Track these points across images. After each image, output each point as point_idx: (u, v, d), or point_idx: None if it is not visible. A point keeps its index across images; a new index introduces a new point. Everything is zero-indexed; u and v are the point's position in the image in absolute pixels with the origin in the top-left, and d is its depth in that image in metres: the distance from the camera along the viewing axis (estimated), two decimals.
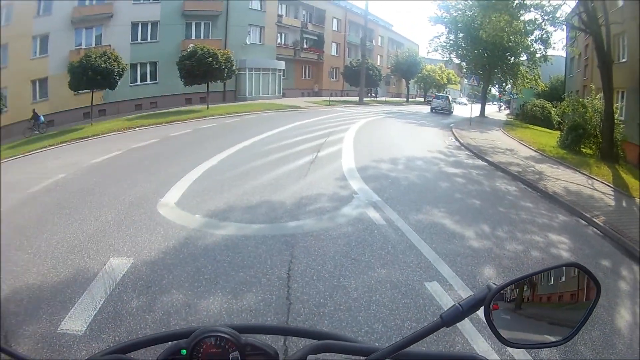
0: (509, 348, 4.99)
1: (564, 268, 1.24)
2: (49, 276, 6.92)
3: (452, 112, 48.82)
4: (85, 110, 31.88)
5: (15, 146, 24.56)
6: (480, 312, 1.18)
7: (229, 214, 9.48)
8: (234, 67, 37.15)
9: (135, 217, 9.44)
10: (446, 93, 62.76)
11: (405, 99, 70.87)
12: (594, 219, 11.03)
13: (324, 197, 10.78)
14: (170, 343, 1.36)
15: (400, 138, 23.36)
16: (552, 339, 1.22)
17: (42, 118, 30.66)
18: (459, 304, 1.19)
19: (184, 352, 1.28)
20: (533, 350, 4.81)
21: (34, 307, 5.90)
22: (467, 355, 1.28)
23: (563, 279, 1.23)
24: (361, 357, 1.25)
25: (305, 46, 58.51)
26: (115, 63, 30.34)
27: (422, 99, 76.11)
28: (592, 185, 15.11)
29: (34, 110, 30.62)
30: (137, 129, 26.78)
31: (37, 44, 33.55)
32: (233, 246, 7.64)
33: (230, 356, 1.28)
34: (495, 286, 1.17)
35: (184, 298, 5.90)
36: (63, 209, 10.31)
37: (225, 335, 1.28)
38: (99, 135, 24.78)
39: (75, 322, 5.46)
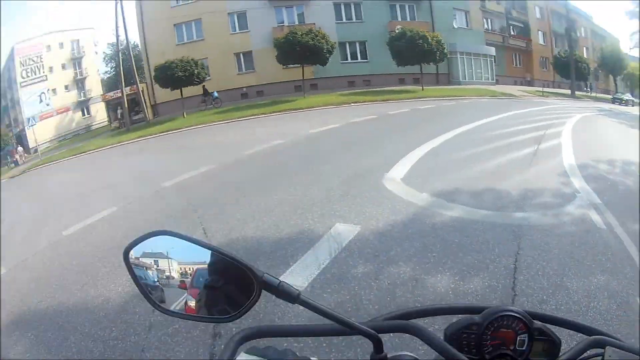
0: None
1: None
2: (269, 232, 7.30)
3: None
4: (296, 84, 32.74)
5: (223, 112, 25.79)
6: None
7: (455, 196, 9.35)
8: (445, 50, 36.49)
9: (362, 187, 9.60)
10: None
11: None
12: None
13: (548, 192, 10.38)
14: (458, 316, 1.34)
15: (618, 139, 21.90)
16: None
17: (215, 94, 32.11)
18: None
19: (475, 327, 1.28)
20: None
21: (251, 260, 6.15)
22: None
23: None
24: None
25: (512, 33, 57.10)
26: (323, 40, 30.88)
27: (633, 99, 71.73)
28: None
29: (203, 86, 32.27)
30: (352, 104, 27.07)
31: (234, 20, 35.31)
32: (461, 228, 7.57)
33: (518, 338, 1.28)
34: None
35: (411, 272, 5.91)
36: (284, 172, 10.78)
37: (520, 317, 1.27)
38: (313, 107, 25.47)
39: (296, 278, 5.70)
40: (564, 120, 24.45)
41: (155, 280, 1.14)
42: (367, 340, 1.16)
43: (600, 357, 1.20)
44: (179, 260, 1.11)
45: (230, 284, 1.11)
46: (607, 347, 1.20)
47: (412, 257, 6.35)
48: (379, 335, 1.19)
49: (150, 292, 1.14)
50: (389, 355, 1.24)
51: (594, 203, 9.87)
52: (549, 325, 1.33)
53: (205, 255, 1.09)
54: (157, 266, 1.13)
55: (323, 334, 1.26)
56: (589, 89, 61.82)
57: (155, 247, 1.11)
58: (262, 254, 6.45)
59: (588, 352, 1.25)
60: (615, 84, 65.77)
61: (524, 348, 1.28)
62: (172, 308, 1.13)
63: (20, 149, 37.10)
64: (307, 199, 8.85)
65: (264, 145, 13.77)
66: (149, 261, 1.13)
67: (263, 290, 1.08)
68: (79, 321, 5.75)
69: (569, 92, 53.23)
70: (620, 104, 49.23)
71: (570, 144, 16.85)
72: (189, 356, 4.46)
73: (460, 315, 1.33)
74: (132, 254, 1.11)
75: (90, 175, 16.31)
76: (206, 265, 1.10)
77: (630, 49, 51.50)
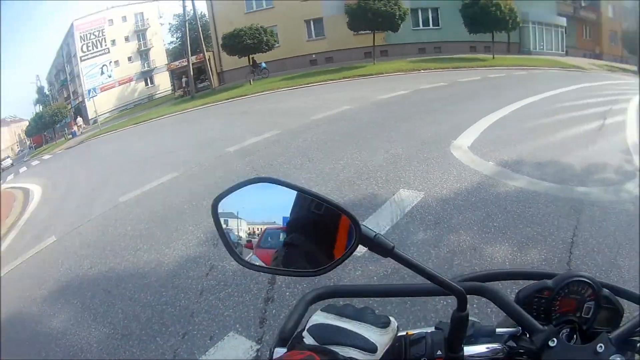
0: None
1: None
2: (332, 196, 7.21)
3: None
4: (366, 50, 32.61)
5: (292, 78, 25.89)
6: None
7: (520, 166, 9.24)
8: (517, 19, 35.84)
9: (427, 154, 9.57)
10: None
11: None
12: None
13: (610, 168, 10.14)
14: (530, 281, 1.35)
15: None
16: None
17: (263, 64, 32.17)
18: None
19: (547, 292, 1.28)
20: None
21: None
22: None
23: None
24: None
25: (583, 4, 55.62)
26: (396, 7, 30.55)
27: None
28: None
29: (252, 58, 32.30)
30: (422, 71, 26.93)
31: None
32: (524, 200, 7.51)
33: (585, 305, 1.29)
34: None
35: (471, 240, 5.93)
36: (350, 137, 10.77)
37: (591, 282, 1.29)
38: (382, 74, 25.36)
39: None
40: (630, 96, 23.95)
41: (240, 234, 1.09)
42: (429, 304, 1.20)
43: None
44: (270, 209, 1.07)
45: (327, 234, 1.07)
46: None
47: (472, 226, 6.35)
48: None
49: (235, 246, 1.09)
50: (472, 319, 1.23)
51: None
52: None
53: (302, 201, 1.05)
54: (244, 218, 1.09)
55: (400, 294, 1.33)
56: None
57: (248, 197, 1.07)
58: None
59: None
60: None
61: (589, 316, 1.29)
62: (257, 263, 1.08)
63: (79, 119, 38.45)
64: (372, 164, 8.87)
65: (331, 111, 13.80)
66: (235, 212, 1.09)
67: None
68: (128, 287, 5.97)
69: (635, 68, 51.71)
70: None
71: (635, 121, 16.51)
72: (239, 321, 4.56)
73: (530, 281, 1.34)
74: (222, 204, 1.08)
75: (152, 142, 16.64)
76: (299, 215, 1.06)
77: None
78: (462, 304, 1.12)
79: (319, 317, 1.13)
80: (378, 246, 1.06)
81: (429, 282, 1.10)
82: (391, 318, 1.17)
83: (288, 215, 1.06)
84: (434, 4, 37.87)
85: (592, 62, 45.91)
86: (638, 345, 1.22)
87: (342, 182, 8.04)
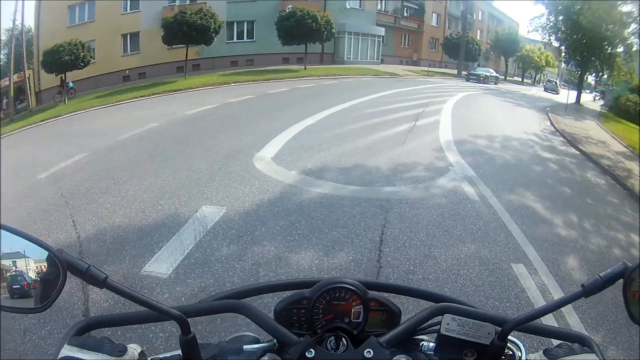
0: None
1: None
2: (136, 219, 7.14)
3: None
4: (179, 65, 32.43)
5: (103, 96, 25.33)
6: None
7: (325, 173, 9.56)
8: (333, 30, 37.01)
9: (230, 168, 9.62)
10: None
11: (503, 77, 69.33)
12: None
13: (420, 166, 10.78)
14: (289, 292, 1.35)
15: (498, 116, 23.07)
16: None
17: (70, 84, 31.47)
18: (599, 276, 1.13)
19: (306, 301, 1.28)
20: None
21: (118, 249, 6.09)
22: (576, 333, 1.28)
23: None
24: (487, 324, 1.21)
25: (405, 14, 58.20)
26: (211, 20, 30.58)
27: (519, 78, 74.69)
28: None
29: (61, 77, 31.17)
30: (233, 84, 27.14)
31: (127, 1, 34.39)
32: (328, 205, 7.74)
33: (353, 310, 1.28)
34: (630, 264, 1.11)
35: (275, 250, 5.98)
36: (155, 156, 10.61)
37: (353, 288, 1.28)
38: (192, 88, 25.27)
39: (161, 265, 5.62)
40: (446, 98, 25.29)
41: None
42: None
43: (439, 326, 1.22)
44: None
45: (40, 274, 1.06)
46: (446, 315, 1.22)
47: (276, 236, 6.43)
48: (205, 315, 1.26)
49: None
50: (231, 336, 1.27)
51: (468, 176, 10.34)
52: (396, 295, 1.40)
53: (18, 245, 1.05)
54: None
55: (140, 322, 1.24)
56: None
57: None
58: (129, 243, 6.29)
59: (435, 319, 1.28)
60: (506, 65, 68.43)
61: (359, 320, 1.29)
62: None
63: None
64: (175, 183, 8.74)
65: (139, 129, 13.52)
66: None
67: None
68: None
69: (455, 72, 54.74)
70: (477, 81, 47.55)
71: (449, 121, 17.48)
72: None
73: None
74: None
75: None
76: (16, 258, 1.06)
77: (529, 32, 53.51)
78: (184, 328, 1.12)
79: (65, 351, 1.11)
80: (91, 278, 1.05)
81: None
82: (132, 346, 1.17)
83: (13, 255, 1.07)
84: (251, 16, 38.25)
85: (408, 69, 48.16)
86: (421, 344, 1.27)
87: (146, 204, 7.78)
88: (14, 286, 1.04)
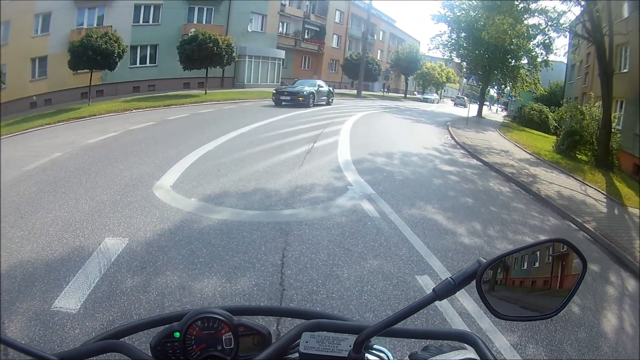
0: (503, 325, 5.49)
1: (552, 243, 1.25)
2: (43, 254, 6.93)
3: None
4: (83, 90, 31.80)
5: (11, 124, 24.54)
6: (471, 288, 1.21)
7: (224, 199, 9.53)
8: (234, 54, 37.20)
9: (131, 198, 9.46)
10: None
11: (403, 95, 70.78)
12: (585, 224, 11.12)
13: (319, 187, 10.84)
14: (163, 326, 1.38)
15: (397, 133, 23.40)
16: (541, 312, 1.24)
17: None
18: (451, 278, 1.20)
19: (177, 334, 1.32)
20: (522, 331, 5.40)
21: (28, 285, 5.92)
22: (457, 331, 1.31)
23: (550, 253, 1.25)
24: (348, 336, 1.27)
25: (306, 36, 58.71)
26: (115, 44, 30.09)
27: (419, 96, 77.05)
28: (585, 192, 15.20)
29: None
30: (134, 111, 26.82)
31: (39, 22, 33.40)
32: (228, 231, 7.69)
33: (223, 337, 1.32)
34: (485, 261, 1.19)
35: (179, 280, 5.93)
36: (58, 187, 10.31)
37: (218, 317, 1.32)
38: (95, 115, 24.74)
39: (69, 300, 5.50)
40: (345, 119, 25.54)
41: None
42: None
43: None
44: None
45: None
46: (304, 333, 1.28)
47: (178, 265, 6.38)
48: (88, 357, 1.22)
49: None
50: None
51: (367, 194, 10.45)
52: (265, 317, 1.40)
53: None
54: None
55: None
56: (386, 90, 66.12)
57: None
58: (38, 278, 6.09)
59: (303, 335, 1.29)
60: (406, 83, 70.01)
61: (231, 346, 1.32)
62: None
63: None
64: (79, 215, 8.51)
65: (43, 159, 13.10)
66: None
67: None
68: None
69: (355, 92, 55.57)
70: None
71: (347, 141, 17.63)
72: None
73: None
74: None
75: None
76: None
77: (430, 50, 55.03)
78: None
79: None
80: None
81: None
82: None
83: None
84: (155, 40, 38.07)
85: None
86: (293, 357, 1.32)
87: (52, 237, 7.53)
88: None
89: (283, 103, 32.10)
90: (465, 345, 1.33)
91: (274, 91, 33.57)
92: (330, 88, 39.45)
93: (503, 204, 11.90)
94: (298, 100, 32.45)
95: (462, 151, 20.10)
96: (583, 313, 6.46)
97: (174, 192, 9.96)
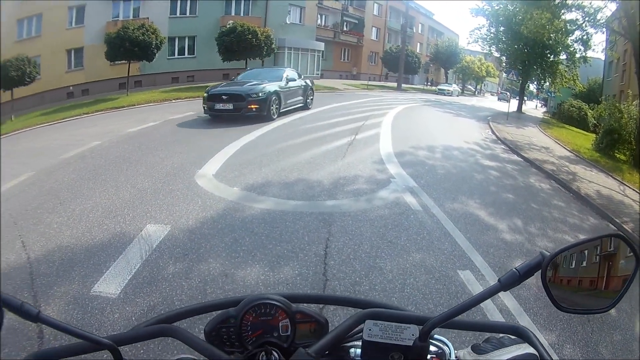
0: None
1: (609, 238, 1.24)
2: (83, 239, 7.00)
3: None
4: (121, 81, 32.01)
5: (47, 113, 24.81)
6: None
7: (267, 188, 9.55)
8: (273, 46, 37.20)
9: (173, 186, 9.54)
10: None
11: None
12: (623, 225, 10.90)
13: (362, 179, 10.79)
14: (218, 311, 1.37)
15: (438, 127, 23.26)
16: (596, 306, 1.24)
17: None
18: (516, 269, 1.19)
19: (233, 320, 1.31)
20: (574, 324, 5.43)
21: (66, 269, 5.96)
22: (511, 325, 1.31)
23: (605, 249, 1.24)
24: (411, 325, 1.26)
25: (345, 29, 58.56)
26: (153, 36, 30.27)
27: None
28: (624, 192, 14.90)
29: None
30: (174, 101, 26.97)
31: (73, 14, 33.72)
32: (271, 220, 7.71)
33: (280, 324, 1.31)
34: (548, 253, 1.18)
35: (221, 267, 5.95)
36: (98, 175, 10.43)
37: (276, 303, 1.31)
38: (134, 105, 24.94)
39: (109, 285, 5.53)
40: (386, 111, 25.39)
41: None
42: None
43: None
44: None
45: None
46: (367, 320, 1.26)
47: (221, 253, 6.39)
48: (139, 342, 1.24)
49: None
50: (174, 358, 1.30)
51: (410, 187, 10.35)
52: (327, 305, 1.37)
53: None
54: None
55: (78, 353, 1.19)
56: (428, 83, 65.57)
57: None
58: (77, 264, 6.14)
59: (361, 325, 1.28)
60: (446, 76, 69.38)
61: (288, 333, 1.31)
62: None
63: None
64: (119, 202, 8.59)
65: (82, 147, 13.29)
66: None
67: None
68: None
69: (395, 85, 55.22)
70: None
71: (389, 133, 17.53)
72: None
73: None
74: None
75: None
76: None
77: (469, 44, 54.49)
78: (116, 357, 1.15)
79: None
80: (24, 314, 1.04)
81: None
82: None
83: None
84: (193, 32, 38.17)
85: (348, 83, 48.20)
86: (350, 350, 1.33)
87: (92, 223, 7.60)
88: None
89: (218, 115, 18.84)
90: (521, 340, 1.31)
91: (205, 94, 19.24)
92: (308, 81, 25.05)
93: (543, 201, 11.74)
94: (248, 110, 18.43)
95: (502, 146, 19.87)
96: (619, 315, 6.31)
97: (217, 180, 9.99)
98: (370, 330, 1.23)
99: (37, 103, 30.49)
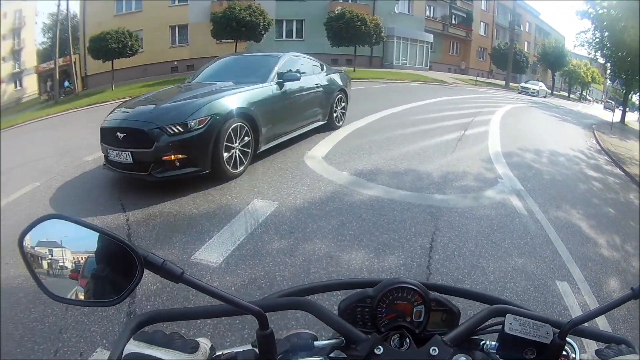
0: None
1: None
2: (187, 207, 7.24)
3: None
4: None
5: (150, 85, 25.54)
6: None
7: (375, 176, 9.52)
8: (382, 34, 37.18)
9: (282, 164, 9.66)
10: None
11: (550, 91, 68.05)
12: None
13: (470, 176, 10.67)
14: (352, 291, 1.37)
15: (545, 130, 22.70)
16: None
17: (66, 83, 31.64)
18: None
19: (369, 300, 1.32)
20: None
21: (167, 235, 6.21)
22: (619, 337, 1.35)
23: None
24: (546, 324, 1.26)
25: (453, 22, 57.89)
26: (260, 17, 30.76)
27: (565, 93, 73.44)
28: None
29: (52, 73, 31.62)
30: None
31: None
32: (379, 208, 7.72)
33: (414, 310, 1.33)
34: None
35: (326, 249, 6.01)
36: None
37: (415, 288, 1.32)
38: None
39: (211, 254, 5.71)
40: (494, 109, 24.94)
41: (49, 269, 1.07)
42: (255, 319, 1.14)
43: (501, 325, 1.26)
44: (70, 246, 1.05)
45: (116, 268, 1.07)
46: (508, 314, 1.26)
47: (327, 235, 6.45)
48: (272, 312, 1.22)
49: (45, 280, 1.05)
50: (289, 333, 1.29)
51: (516, 189, 10.17)
52: (451, 297, 1.41)
53: (93, 239, 1.05)
54: (51, 255, 1.06)
55: (212, 315, 1.25)
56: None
57: (48, 233, 1.04)
58: (179, 230, 6.39)
59: (490, 320, 1.33)
60: (553, 79, 67.46)
61: (421, 319, 1.33)
62: (67, 296, 1.06)
63: None
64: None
65: None
66: (42, 250, 1.06)
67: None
68: None
69: (503, 82, 53.94)
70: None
71: (497, 132, 17.19)
72: (105, 336, 4.31)
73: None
74: (27, 240, 1.03)
75: (12, 150, 15.94)
76: (94, 251, 1.06)
77: (575, 47, 52.71)
78: (262, 323, 1.14)
79: (131, 346, 1.09)
80: (167, 273, 1.07)
81: None
82: (202, 340, 1.19)
83: (90, 249, 1.06)
84: (300, 16, 38.39)
85: (455, 77, 47.61)
86: (481, 343, 1.32)
87: (196, 193, 7.88)
88: (85, 279, 1.05)
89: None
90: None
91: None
92: (337, 75, 13.67)
93: None
94: (163, 165, 7.74)
95: (606, 157, 19.24)
96: None
97: (326, 163, 10.06)
98: (510, 324, 1.24)
99: (139, 75, 31.45)
